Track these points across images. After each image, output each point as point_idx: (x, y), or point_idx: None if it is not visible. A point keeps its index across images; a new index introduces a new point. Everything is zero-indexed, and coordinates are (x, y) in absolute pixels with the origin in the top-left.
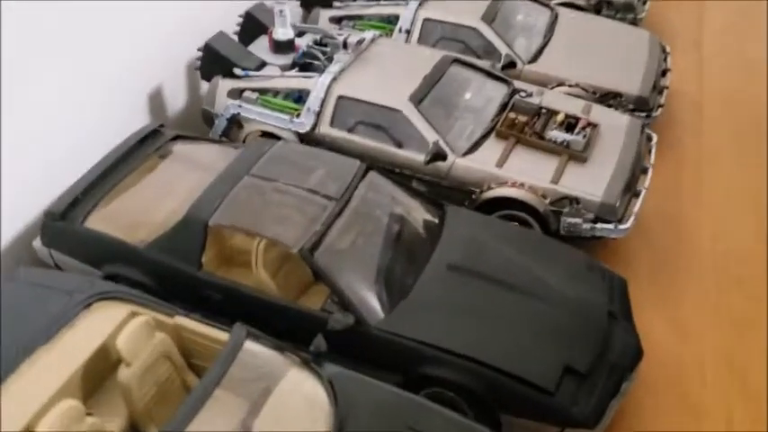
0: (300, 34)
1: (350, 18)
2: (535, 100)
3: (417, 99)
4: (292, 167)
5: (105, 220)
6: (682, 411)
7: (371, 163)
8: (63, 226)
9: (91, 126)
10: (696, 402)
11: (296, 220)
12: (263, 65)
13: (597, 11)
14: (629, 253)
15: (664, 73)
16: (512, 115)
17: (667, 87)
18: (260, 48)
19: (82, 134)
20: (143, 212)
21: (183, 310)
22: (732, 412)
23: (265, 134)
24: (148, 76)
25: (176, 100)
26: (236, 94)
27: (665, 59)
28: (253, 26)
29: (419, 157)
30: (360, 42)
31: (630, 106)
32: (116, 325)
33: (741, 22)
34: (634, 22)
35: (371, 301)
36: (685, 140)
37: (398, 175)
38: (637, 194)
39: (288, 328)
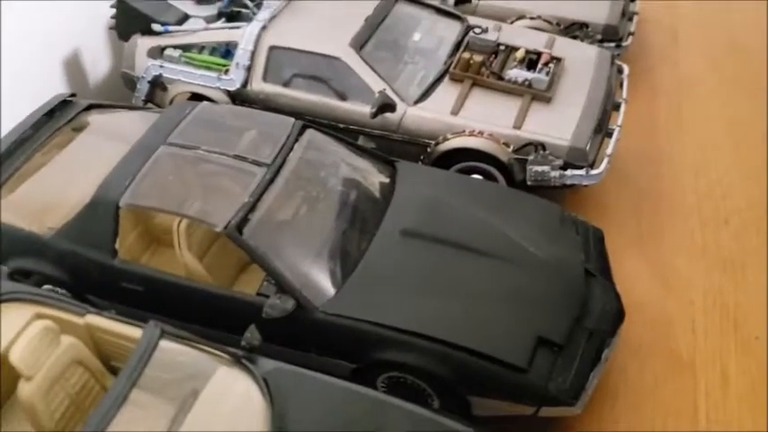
0: None
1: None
2: (491, 36)
3: (359, 44)
4: (216, 132)
5: (9, 208)
6: (673, 371)
7: (313, 119)
8: None
9: None
10: (687, 359)
11: (220, 194)
12: (185, 18)
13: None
14: (604, 197)
15: None
16: (466, 55)
17: (637, 13)
18: None
19: None
20: (53, 196)
21: (94, 309)
22: (727, 364)
23: (194, 96)
24: (63, 40)
25: (99, 64)
26: (157, 52)
27: None
28: None
29: (365, 110)
30: None
31: (599, 36)
32: (16, 332)
33: None
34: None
35: (315, 281)
36: (659, 70)
37: (344, 131)
38: (609, 134)
39: (222, 319)
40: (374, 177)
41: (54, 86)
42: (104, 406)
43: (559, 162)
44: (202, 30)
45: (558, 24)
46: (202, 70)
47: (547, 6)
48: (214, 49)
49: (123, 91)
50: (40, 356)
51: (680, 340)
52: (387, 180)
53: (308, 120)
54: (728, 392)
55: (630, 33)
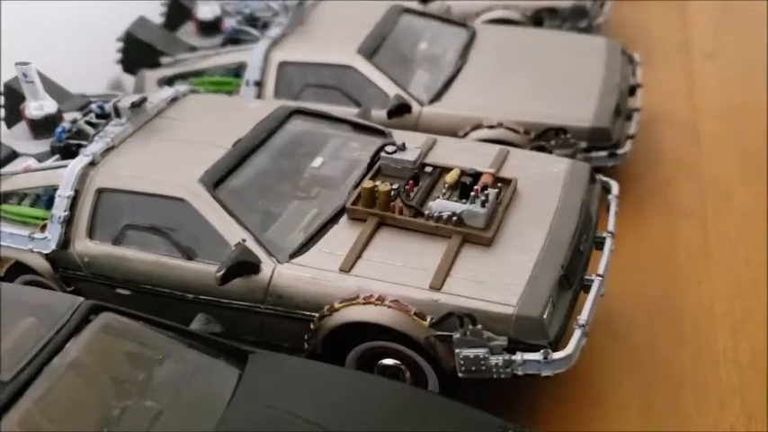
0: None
1: (184, 76)
2: (409, 155)
3: (214, 177)
4: None
5: None
6: None
7: (152, 288)
8: None
9: None
10: None
11: None
12: (12, 156)
13: (537, 23)
14: (585, 385)
15: (632, 91)
16: (369, 184)
17: (639, 110)
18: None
19: None
20: None
21: None
22: None
23: (18, 264)
24: None
25: None
26: None
27: (634, 72)
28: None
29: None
30: (138, 104)
31: (582, 144)
32: None
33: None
34: (589, 30)
35: None
36: (678, 184)
37: (192, 303)
38: (585, 288)
39: None
40: (207, 386)
41: None
42: None
43: (502, 342)
44: (21, 172)
45: (526, 132)
46: (16, 227)
47: (510, 110)
48: (38, 197)
49: None
50: None
51: None
52: (224, 391)
53: (147, 290)
54: None
55: (630, 137)
